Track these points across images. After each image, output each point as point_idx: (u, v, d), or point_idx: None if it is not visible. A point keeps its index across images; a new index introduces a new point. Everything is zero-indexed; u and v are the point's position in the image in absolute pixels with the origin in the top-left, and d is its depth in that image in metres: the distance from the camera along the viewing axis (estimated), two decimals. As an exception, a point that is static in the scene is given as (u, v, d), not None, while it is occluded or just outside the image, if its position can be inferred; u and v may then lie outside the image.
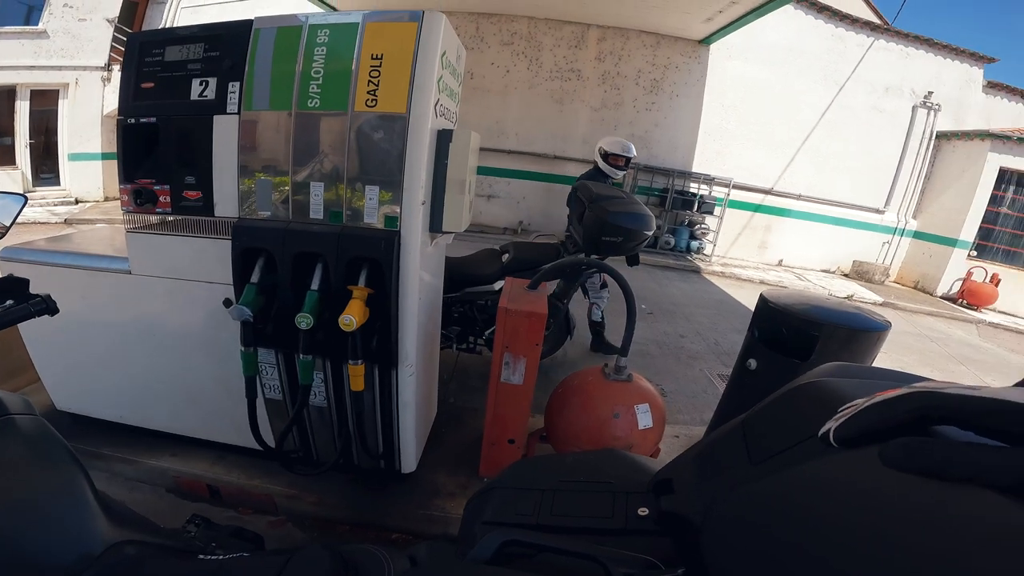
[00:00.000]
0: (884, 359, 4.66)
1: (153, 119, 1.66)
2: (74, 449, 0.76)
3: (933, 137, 9.17)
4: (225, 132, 1.61)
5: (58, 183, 9.53)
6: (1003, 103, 9.56)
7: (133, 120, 1.67)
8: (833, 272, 9.61)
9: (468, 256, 2.90)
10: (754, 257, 9.48)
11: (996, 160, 8.39)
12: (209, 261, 1.71)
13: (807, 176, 9.15)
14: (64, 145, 9.44)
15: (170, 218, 1.73)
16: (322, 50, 1.54)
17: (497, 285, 2.75)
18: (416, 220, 1.60)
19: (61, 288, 0.94)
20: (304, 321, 1.52)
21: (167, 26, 9.86)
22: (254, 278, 1.61)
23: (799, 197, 9.23)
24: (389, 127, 1.54)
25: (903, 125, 9.18)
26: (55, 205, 8.74)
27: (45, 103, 9.32)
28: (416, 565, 0.62)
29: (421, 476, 2.04)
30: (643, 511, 0.65)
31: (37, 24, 9.17)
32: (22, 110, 9.15)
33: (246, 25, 1.58)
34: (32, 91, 9.12)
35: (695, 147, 8.96)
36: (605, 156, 3.65)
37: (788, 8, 7.03)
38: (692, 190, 8.94)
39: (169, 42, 1.64)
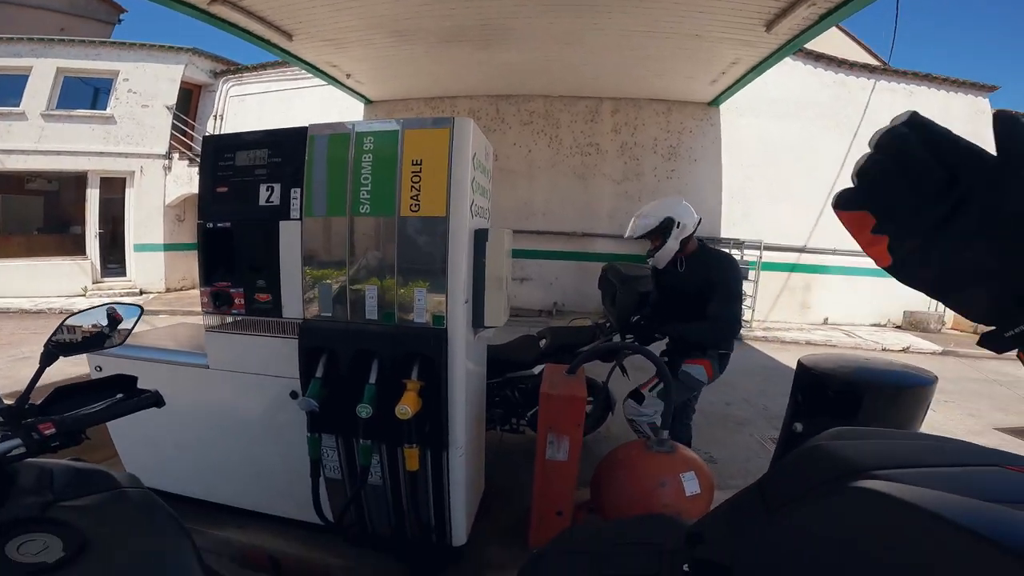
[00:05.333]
0: (951, 408, 4.74)
1: (228, 224, 1.83)
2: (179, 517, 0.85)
3: (956, 173, 8.96)
4: (290, 237, 1.78)
5: (124, 274, 9.53)
6: (1018, 130, 9.36)
7: (212, 225, 1.85)
8: (884, 325, 9.09)
9: (508, 343, 3.06)
10: (797, 318, 9.03)
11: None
12: (277, 358, 1.87)
13: (839, 229, 8.76)
14: (130, 235, 9.48)
15: (243, 318, 1.90)
16: (368, 157, 1.68)
17: (536, 369, 2.85)
18: (460, 318, 1.73)
19: (145, 380, 1.07)
20: (364, 411, 1.64)
21: (217, 113, 10.29)
22: (319, 373, 1.73)
23: (835, 252, 8.76)
24: (432, 230, 1.67)
25: (924, 164, 9.02)
26: (121, 296, 8.71)
27: (111, 191, 9.33)
28: None
29: (472, 549, 2.08)
30: (686, 568, 0.69)
31: (105, 108, 9.24)
32: (92, 198, 9.18)
33: (302, 132, 1.75)
34: (101, 179, 9.20)
35: (720, 211, 8.76)
36: None
37: (787, 60, 6.88)
38: (723, 256, 8.71)
39: (238, 147, 1.81)
